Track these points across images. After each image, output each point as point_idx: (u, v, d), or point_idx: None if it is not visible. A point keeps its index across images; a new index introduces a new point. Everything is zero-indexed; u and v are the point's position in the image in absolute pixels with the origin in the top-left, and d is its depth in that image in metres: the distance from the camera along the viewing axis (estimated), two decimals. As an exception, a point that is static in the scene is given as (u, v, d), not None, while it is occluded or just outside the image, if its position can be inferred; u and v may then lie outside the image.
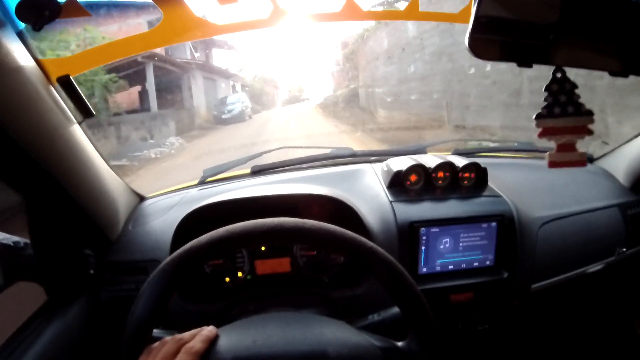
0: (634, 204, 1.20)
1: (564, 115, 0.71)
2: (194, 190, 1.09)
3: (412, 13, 0.74)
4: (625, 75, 0.67)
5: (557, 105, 0.71)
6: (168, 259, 0.55)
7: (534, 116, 0.72)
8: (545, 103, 0.72)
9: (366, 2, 0.78)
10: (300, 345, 0.56)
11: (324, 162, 1.20)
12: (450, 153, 1.22)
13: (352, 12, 0.70)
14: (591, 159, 1.39)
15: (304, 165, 1.19)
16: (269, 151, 1.25)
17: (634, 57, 0.68)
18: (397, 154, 1.17)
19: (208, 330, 0.56)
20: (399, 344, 0.61)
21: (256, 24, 0.68)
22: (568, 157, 0.74)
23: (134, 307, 0.54)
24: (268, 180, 1.13)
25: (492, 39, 0.66)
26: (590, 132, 0.71)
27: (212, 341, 0.55)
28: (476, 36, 0.63)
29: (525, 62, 0.68)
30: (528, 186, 1.14)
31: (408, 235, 0.92)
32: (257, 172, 1.16)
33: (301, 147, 1.27)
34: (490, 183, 1.06)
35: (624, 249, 1.12)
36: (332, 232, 0.58)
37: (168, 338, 0.55)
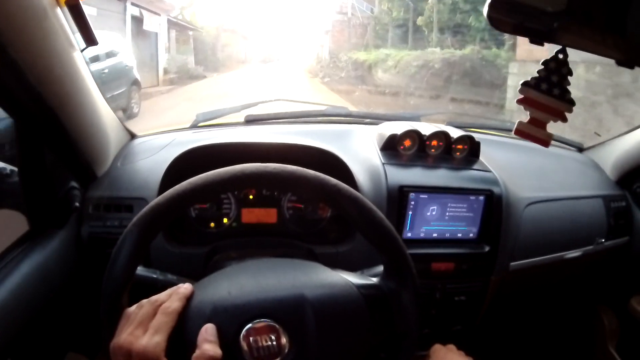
0: (618, 198, 1.26)
1: (548, 93, 0.75)
2: (187, 133, 1.10)
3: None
4: (630, 66, 0.72)
5: (546, 82, 0.74)
6: (134, 219, 0.56)
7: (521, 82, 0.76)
8: (538, 75, 0.74)
9: None
10: (275, 291, 0.57)
11: (319, 118, 1.23)
12: (444, 124, 1.26)
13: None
14: (581, 149, 1.45)
15: (299, 120, 1.21)
16: (265, 102, 1.26)
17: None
18: (392, 119, 1.21)
19: (184, 288, 0.57)
20: (376, 280, 0.63)
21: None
22: (535, 132, 0.77)
23: (110, 266, 0.55)
24: (261, 130, 1.15)
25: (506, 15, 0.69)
26: (564, 119, 0.75)
27: (189, 298, 0.56)
28: (493, 10, 0.66)
29: (536, 39, 0.71)
30: (518, 166, 1.19)
31: (397, 199, 0.96)
32: (251, 121, 1.18)
33: (297, 102, 1.28)
34: (481, 158, 1.10)
35: (603, 240, 1.18)
36: (295, 173, 0.60)
37: (144, 301, 0.55)
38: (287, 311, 0.56)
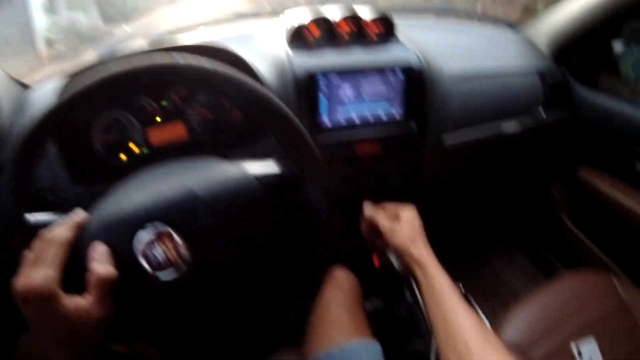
0: (554, 72, 1.24)
1: None
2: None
3: None
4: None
5: None
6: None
7: None
8: None
9: None
10: (163, 194, 0.54)
11: (227, 21, 1.16)
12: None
13: None
14: (513, 26, 1.41)
15: (204, 28, 1.13)
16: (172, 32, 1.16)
17: None
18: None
19: (75, 215, 0.53)
20: (279, 169, 0.60)
21: None
22: None
23: None
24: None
25: None
26: None
27: (81, 225, 0.53)
28: None
29: None
30: (443, 45, 1.14)
31: (306, 86, 0.91)
32: (157, 43, 1.08)
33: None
34: (402, 39, 1.04)
35: (542, 113, 1.17)
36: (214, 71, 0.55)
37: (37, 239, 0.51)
38: (178, 212, 0.53)
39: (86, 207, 0.56)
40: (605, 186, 1.26)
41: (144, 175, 0.61)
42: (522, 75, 1.18)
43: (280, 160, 0.63)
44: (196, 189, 0.54)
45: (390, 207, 0.85)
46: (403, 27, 1.06)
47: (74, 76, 0.87)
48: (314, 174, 0.60)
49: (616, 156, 1.23)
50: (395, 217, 0.80)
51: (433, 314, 0.63)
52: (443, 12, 1.33)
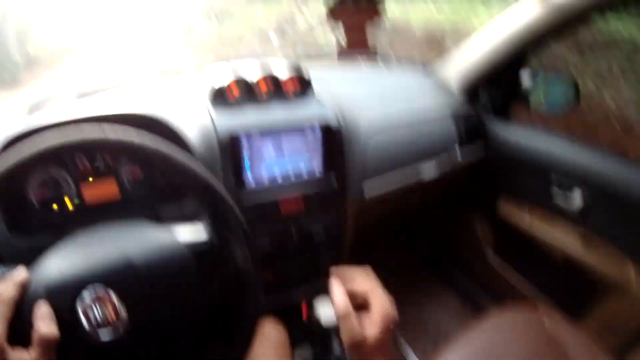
0: (466, 111, 1.31)
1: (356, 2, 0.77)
2: (20, 120, 1.07)
3: None
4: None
5: None
6: None
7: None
8: None
9: None
10: (102, 260, 0.60)
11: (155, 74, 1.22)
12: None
13: None
14: (425, 65, 1.48)
15: (129, 84, 1.18)
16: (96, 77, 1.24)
17: None
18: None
19: (17, 273, 0.58)
20: (205, 235, 0.67)
21: None
22: (358, 39, 0.80)
23: None
24: (93, 102, 1.12)
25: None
26: (379, 14, 0.77)
27: (24, 283, 0.57)
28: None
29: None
30: (358, 95, 1.22)
31: (229, 147, 0.98)
32: (84, 95, 1.14)
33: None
34: (318, 93, 1.12)
35: (457, 154, 1.25)
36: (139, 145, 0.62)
37: None
38: (115, 276, 0.59)
39: (24, 259, 0.62)
40: (525, 217, 1.32)
41: (82, 237, 0.66)
42: (436, 119, 1.26)
43: (207, 224, 0.70)
44: (131, 256, 0.60)
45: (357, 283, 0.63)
46: (318, 79, 1.13)
47: (11, 142, 0.92)
48: (239, 238, 0.67)
49: (534, 185, 1.27)
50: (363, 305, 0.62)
51: None
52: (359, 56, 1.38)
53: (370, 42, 0.84)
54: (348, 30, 0.84)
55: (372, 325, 0.58)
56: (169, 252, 0.63)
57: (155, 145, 0.64)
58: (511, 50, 1.23)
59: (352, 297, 0.60)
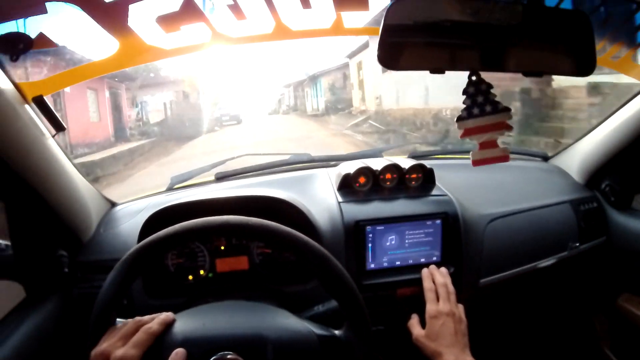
0: (587, 200, 1.31)
1: (483, 114, 0.86)
2: (162, 196, 1.25)
3: (339, 29, 0.92)
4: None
5: (475, 106, 0.84)
6: (129, 250, 0.70)
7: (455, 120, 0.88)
8: (465, 106, 0.85)
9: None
10: (242, 328, 0.70)
11: (283, 167, 1.37)
12: (406, 156, 1.38)
13: (282, 32, 0.87)
14: (546, 157, 1.52)
15: (265, 171, 1.35)
16: (232, 158, 1.42)
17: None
18: (353, 158, 1.33)
19: (166, 314, 0.69)
20: (337, 332, 0.73)
21: (197, 47, 0.87)
22: (490, 154, 0.88)
23: (100, 292, 0.68)
24: (231, 185, 1.29)
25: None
26: (509, 128, 0.85)
27: (169, 324, 0.68)
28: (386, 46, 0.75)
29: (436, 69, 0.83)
30: (476, 185, 1.27)
31: (354, 234, 1.06)
32: (221, 178, 1.32)
33: (262, 155, 1.45)
34: (439, 183, 1.20)
35: (577, 244, 1.23)
36: (271, 228, 0.71)
37: (129, 320, 0.68)
38: (250, 347, 0.67)
39: None
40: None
41: (221, 305, 0.77)
42: (554, 206, 1.27)
43: (336, 317, 0.77)
44: (269, 333, 0.68)
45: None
46: (441, 168, 1.21)
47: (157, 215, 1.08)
48: (363, 335, 0.72)
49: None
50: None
51: None
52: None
53: (502, 152, 0.91)
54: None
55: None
56: (302, 338, 0.70)
57: (293, 233, 0.72)
58: (634, 137, 1.22)
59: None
